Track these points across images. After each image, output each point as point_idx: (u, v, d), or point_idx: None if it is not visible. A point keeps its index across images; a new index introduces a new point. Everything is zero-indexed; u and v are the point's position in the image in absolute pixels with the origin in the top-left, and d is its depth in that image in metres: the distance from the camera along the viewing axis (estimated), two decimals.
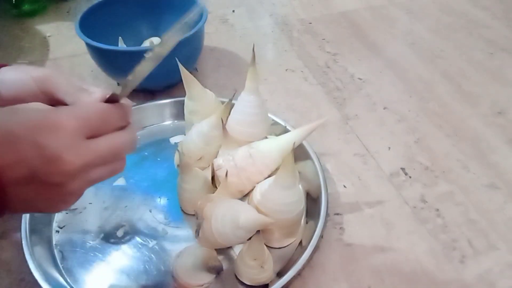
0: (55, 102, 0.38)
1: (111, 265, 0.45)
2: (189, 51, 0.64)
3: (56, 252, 0.46)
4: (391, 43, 0.80)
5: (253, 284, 0.42)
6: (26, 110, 0.32)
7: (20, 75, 0.39)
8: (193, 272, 0.42)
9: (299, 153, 0.52)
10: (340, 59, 0.75)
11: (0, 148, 0.28)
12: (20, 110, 0.31)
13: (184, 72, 0.50)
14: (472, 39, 0.80)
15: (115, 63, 0.61)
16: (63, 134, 0.29)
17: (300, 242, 0.46)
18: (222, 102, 0.52)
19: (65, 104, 0.38)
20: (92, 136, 0.31)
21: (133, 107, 0.59)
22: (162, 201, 0.51)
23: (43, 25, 0.86)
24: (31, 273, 0.41)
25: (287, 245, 0.46)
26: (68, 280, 0.43)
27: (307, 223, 0.48)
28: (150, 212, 0.50)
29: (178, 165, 0.53)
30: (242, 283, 0.43)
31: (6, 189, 0.28)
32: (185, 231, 0.48)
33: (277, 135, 0.51)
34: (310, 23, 0.85)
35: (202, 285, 0.42)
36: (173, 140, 0.58)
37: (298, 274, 0.43)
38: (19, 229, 0.45)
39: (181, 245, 0.46)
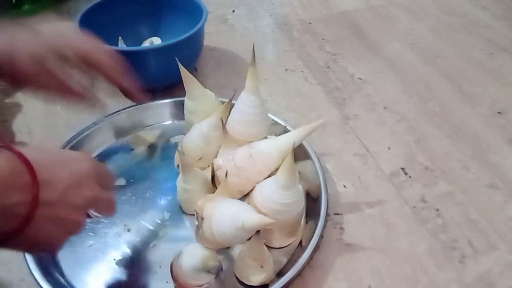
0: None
1: (111, 265, 0.45)
2: (189, 51, 0.65)
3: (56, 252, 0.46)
4: (391, 43, 0.80)
5: (253, 284, 0.42)
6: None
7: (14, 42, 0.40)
8: (193, 272, 0.42)
9: (299, 153, 0.52)
10: (340, 59, 0.75)
11: (40, 167, 0.30)
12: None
13: (184, 72, 0.50)
14: (472, 39, 0.80)
15: None
16: (88, 167, 0.35)
17: (300, 242, 0.46)
18: (222, 102, 0.52)
19: None
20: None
21: (133, 107, 0.60)
22: (162, 201, 0.51)
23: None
24: (31, 273, 0.41)
25: (287, 245, 0.46)
26: (68, 280, 0.43)
27: (307, 223, 0.48)
28: (150, 212, 0.50)
29: (178, 165, 0.53)
30: (242, 283, 0.43)
31: (37, 206, 0.30)
32: (185, 231, 0.48)
33: (277, 135, 0.51)
34: (310, 23, 0.85)
35: (202, 285, 0.42)
36: (173, 140, 0.58)
37: (298, 274, 0.43)
38: None
39: (181, 245, 0.46)
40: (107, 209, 0.38)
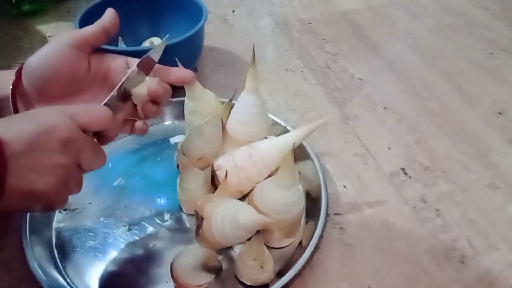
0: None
1: (111, 265, 0.45)
2: (189, 51, 0.65)
3: (56, 252, 0.46)
4: (391, 43, 0.80)
5: (253, 284, 0.42)
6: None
7: (46, 61, 0.39)
8: (193, 272, 0.42)
9: (299, 153, 0.52)
10: (340, 59, 0.75)
11: (1, 125, 0.31)
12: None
13: None
14: (472, 39, 0.80)
15: None
16: (58, 114, 0.33)
17: (300, 242, 0.46)
18: (222, 102, 0.52)
19: None
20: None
21: None
22: (162, 201, 0.51)
23: (43, 25, 0.85)
24: (31, 273, 0.41)
25: (287, 245, 0.46)
26: (68, 280, 0.43)
27: (307, 223, 0.48)
28: (150, 212, 0.50)
29: (178, 165, 0.53)
30: (242, 283, 0.43)
31: (8, 162, 0.30)
32: (185, 231, 0.48)
33: (277, 135, 0.51)
34: (310, 23, 0.85)
35: (202, 285, 0.42)
36: (173, 140, 0.58)
37: (298, 274, 0.43)
38: (19, 229, 0.45)
39: (181, 245, 0.46)
40: (94, 156, 0.37)
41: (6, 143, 0.30)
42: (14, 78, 0.39)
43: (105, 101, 0.39)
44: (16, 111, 0.39)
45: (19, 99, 0.39)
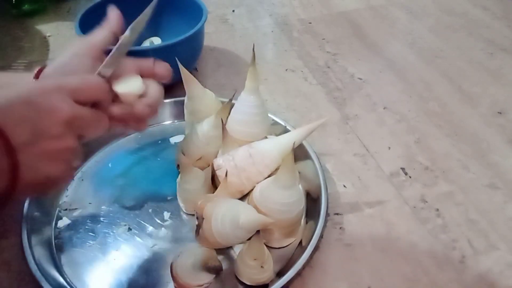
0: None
1: (111, 265, 0.45)
2: (189, 51, 0.65)
3: (56, 252, 0.46)
4: (391, 43, 0.80)
5: (253, 284, 0.42)
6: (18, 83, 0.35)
7: (65, 67, 0.40)
8: (193, 272, 0.42)
9: (299, 153, 0.52)
10: (340, 59, 0.75)
11: (1, 116, 0.30)
12: (13, 84, 0.35)
13: (184, 72, 0.50)
14: (472, 39, 0.80)
15: None
16: (53, 94, 0.33)
17: (300, 242, 0.46)
18: (222, 102, 0.52)
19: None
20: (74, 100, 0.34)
21: None
22: (162, 201, 0.51)
23: (43, 25, 0.85)
24: (31, 273, 0.41)
25: (287, 245, 0.46)
26: (68, 280, 0.43)
27: (307, 223, 0.48)
28: (150, 212, 0.50)
29: (178, 165, 0.53)
30: (242, 283, 0.43)
31: (17, 154, 0.30)
32: (185, 231, 0.48)
33: (277, 135, 0.51)
34: (310, 23, 0.85)
35: (202, 285, 0.42)
36: (173, 140, 0.58)
37: (298, 274, 0.43)
38: (19, 229, 0.45)
39: (181, 245, 0.46)
40: (96, 126, 0.37)
41: (10, 134, 0.30)
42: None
43: (99, 70, 0.39)
44: None
45: None
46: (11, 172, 0.30)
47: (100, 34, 0.41)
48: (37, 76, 0.39)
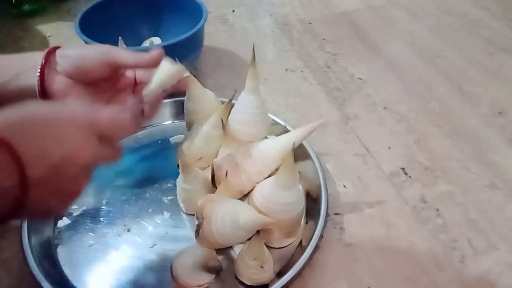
0: (117, 69, 0.43)
1: (111, 265, 0.45)
2: (189, 51, 0.64)
3: (56, 252, 0.46)
4: (391, 43, 0.80)
5: (253, 284, 0.42)
6: (46, 106, 0.34)
7: (83, 50, 0.42)
8: (193, 272, 0.42)
9: (299, 153, 0.52)
10: (340, 59, 0.75)
11: (23, 143, 0.28)
12: (40, 106, 0.33)
13: None
14: (472, 39, 0.80)
15: None
16: (81, 132, 0.32)
17: (300, 242, 0.46)
18: (222, 102, 0.52)
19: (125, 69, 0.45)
20: (99, 136, 0.34)
21: None
22: (162, 201, 0.51)
23: (43, 25, 0.85)
24: (31, 273, 0.41)
25: (287, 245, 0.46)
26: (68, 280, 0.43)
27: (307, 223, 0.48)
28: (150, 212, 0.50)
29: (178, 165, 0.53)
30: (242, 283, 0.43)
31: (29, 189, 0.29)
32: (185, 231, 0.48)
33: (277, 135, 0.51)
34: (310, 23, 0.85)
35: (202, 285, 0.42)
36: (173, 140, 0.58)
37: (298, 274, 0.43)
38: (19, 229, 0.45)
39: (181, 245, 0.46)
40: (113, 159, 0.36)
41: (28, 164, 0.28)
42: (44, 62, 0.40)
43: (129, 108, 0.40)
44: (44, 91, 0.40)
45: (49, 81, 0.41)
46: (18, 205, 0.29)
47: (127, 55, 0.42)
48: (47, 58, 0.40)
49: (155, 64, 0.42)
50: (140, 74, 0.46)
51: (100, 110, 0.34)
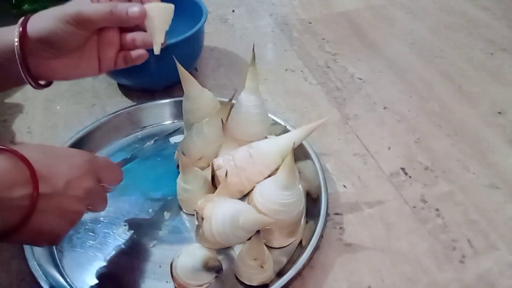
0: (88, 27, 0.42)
1: (111, 265, 0.45)
2: (189, 51, 0.64)
3: (56, 252, 0.46)
4: (391, 43, 0.80)
5: (253, 284, 0.42)
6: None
7: (51, 27, 0.43)
8: (193, 272, 0.42)
9: (299, 153, 0.52)
10: (340, 59, 0.75)
11: (39, 161, 0.33)
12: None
13: (181, 71, 0.50)
14: (472, 39, 0.80)
15: None
16: (85, 164, 0.37)
17: (300, 242, 0.46)
18: (222, 102, 0.52)
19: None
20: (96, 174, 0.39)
21: (133, 107, 0.60)
22: (162, 201, 0.51)
23: None
24: (31, 273, 0.41)
25: (287, 245, 0.46)
26: (68, 280, 0.43)
27: (307, 223, 0.48)
28: (150, 212, 0.50)
29: (178, 165, 0.53)
30: (242, 283, 0.43)
31: (39, 200, 0.32)
32: (185, 231, 0.48)
33: (277, 135, 0.51)
34: (310, 23, 0.85)
35: (202, 285, 0.42)
36: (173, 140, 0.58)
37: (298, 274, 0.43)
38: None
39: (181, 245, 0.46)
40: (100, 204, 0.41)
41: (41, 178, 0.33)
42: (21, 30, 0.41)
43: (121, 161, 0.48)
44: (25, 60, 0.41)
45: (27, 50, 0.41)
46: (28, 212, 0.32)
47: (97, 8, 0.42)
48: (24, 25, 0.41)
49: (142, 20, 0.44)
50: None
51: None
